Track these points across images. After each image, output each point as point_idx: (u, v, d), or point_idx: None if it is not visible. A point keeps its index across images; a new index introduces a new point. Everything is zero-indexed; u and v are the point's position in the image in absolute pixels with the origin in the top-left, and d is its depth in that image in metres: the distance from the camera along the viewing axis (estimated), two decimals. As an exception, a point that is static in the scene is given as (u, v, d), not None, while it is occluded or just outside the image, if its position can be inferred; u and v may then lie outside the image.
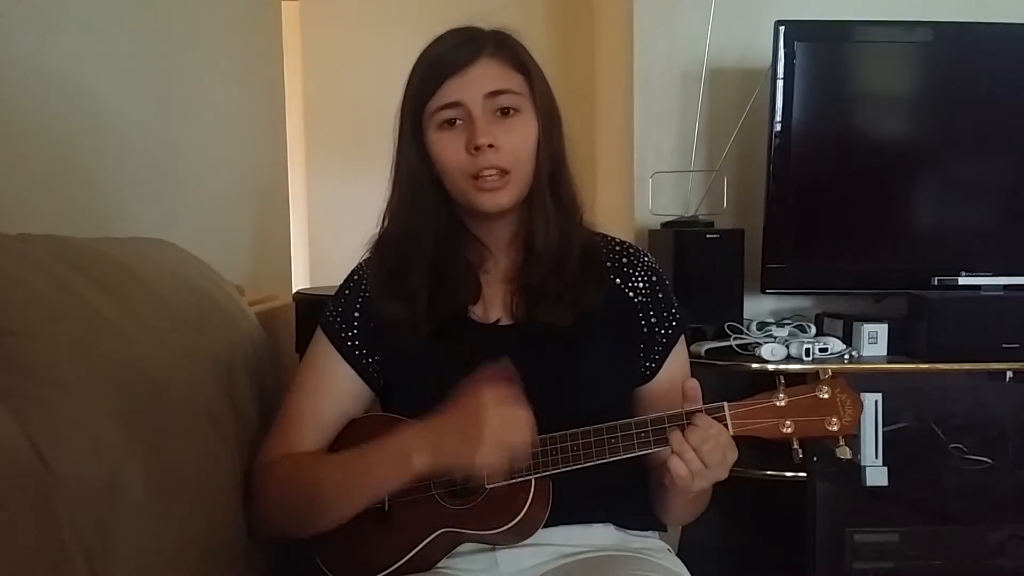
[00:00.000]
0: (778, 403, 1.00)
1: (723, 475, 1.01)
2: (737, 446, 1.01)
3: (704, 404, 1.02)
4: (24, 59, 1.18)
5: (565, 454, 1.03)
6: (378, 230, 1.18)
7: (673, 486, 1.01)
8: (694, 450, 0.98)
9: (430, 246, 1.13)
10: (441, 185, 1.12)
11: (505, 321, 1.16)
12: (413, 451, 1.00)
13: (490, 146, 1.06)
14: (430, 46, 1.12)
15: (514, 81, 1.10)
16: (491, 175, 1.08)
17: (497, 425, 0.96)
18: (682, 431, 1.00)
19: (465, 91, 1.07)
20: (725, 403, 1.01)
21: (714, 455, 0.99)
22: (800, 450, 1.00)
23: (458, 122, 1.08)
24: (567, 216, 1.15)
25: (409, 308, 1.12)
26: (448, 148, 1.09)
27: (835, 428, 1.00)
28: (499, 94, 1.08)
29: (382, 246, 1.17)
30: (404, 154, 1.13)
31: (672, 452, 0.99)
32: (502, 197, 1.09)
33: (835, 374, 1.02)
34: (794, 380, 1.03)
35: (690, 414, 1.01)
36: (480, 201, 1.09)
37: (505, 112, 1.09)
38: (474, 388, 0.98)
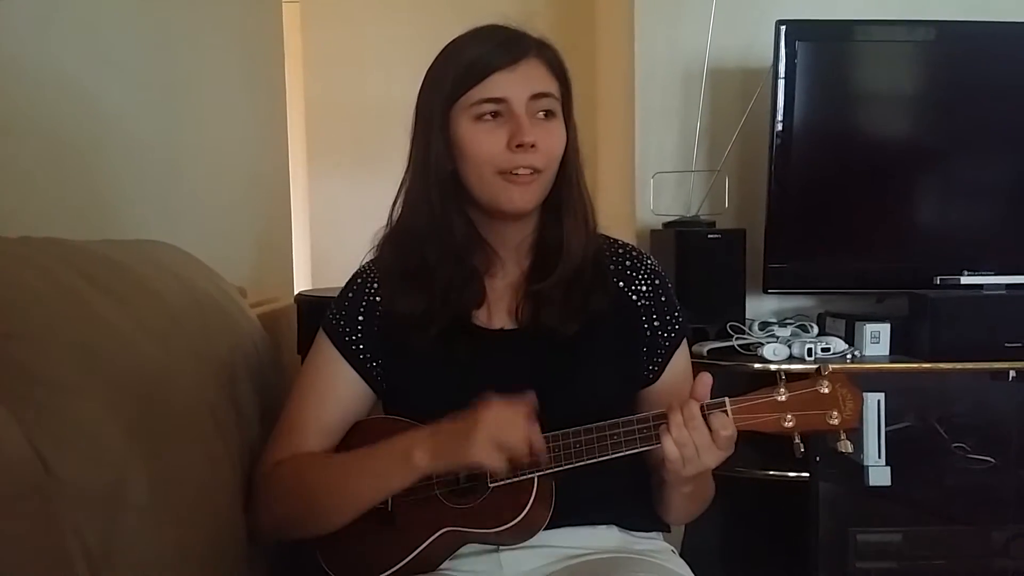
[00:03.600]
0: (779, 398, 1.01)
1: (711, 463, 1.00)
2: (739, 442, 1.01)
3: (707, 400, 1.02)
4: (26, 61, 1.18)
5: (568, 451, 1.02)
6: (394, 217, 1.15)
7: (666, 471, 1.01)
8: (685, 426, 0.98)
9: (451, 238, 1.12)
10: (458, 181, 1.11)
11: (508, 326, 1.15)
12: (415, 450, 1.01)
13: (532, 146, 1.06)
14: (465, 39, 1.11)
15: (554, 86, 1.10)
16: (525, 172, 1.07)
17: (491, 423, 0.97)
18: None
19: (513, 88, 1.06)
20: (726, 398, 1.01)
21: (702, 436, 0.98)
22: (802, 444, 1.00)
23: (498, 116, 1.08)
24: (584, 226, 1.15)
25: (425, 302, 1.11)
26: (485, 141, 1.07)
27: (836, 422, 1.00)
28: (542, 97, 1.08)
29: (399, 236, 1.15)
30: (431, 144, 1.10)
31: (667, 433, 0.99)
32: (530, 196, 1.09)
33: (835, 369, 1.03)
34: (796, 380, 1.03)
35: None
36: (508, 196, 1.08)
37: (545, 115, 1.09)
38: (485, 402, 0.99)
